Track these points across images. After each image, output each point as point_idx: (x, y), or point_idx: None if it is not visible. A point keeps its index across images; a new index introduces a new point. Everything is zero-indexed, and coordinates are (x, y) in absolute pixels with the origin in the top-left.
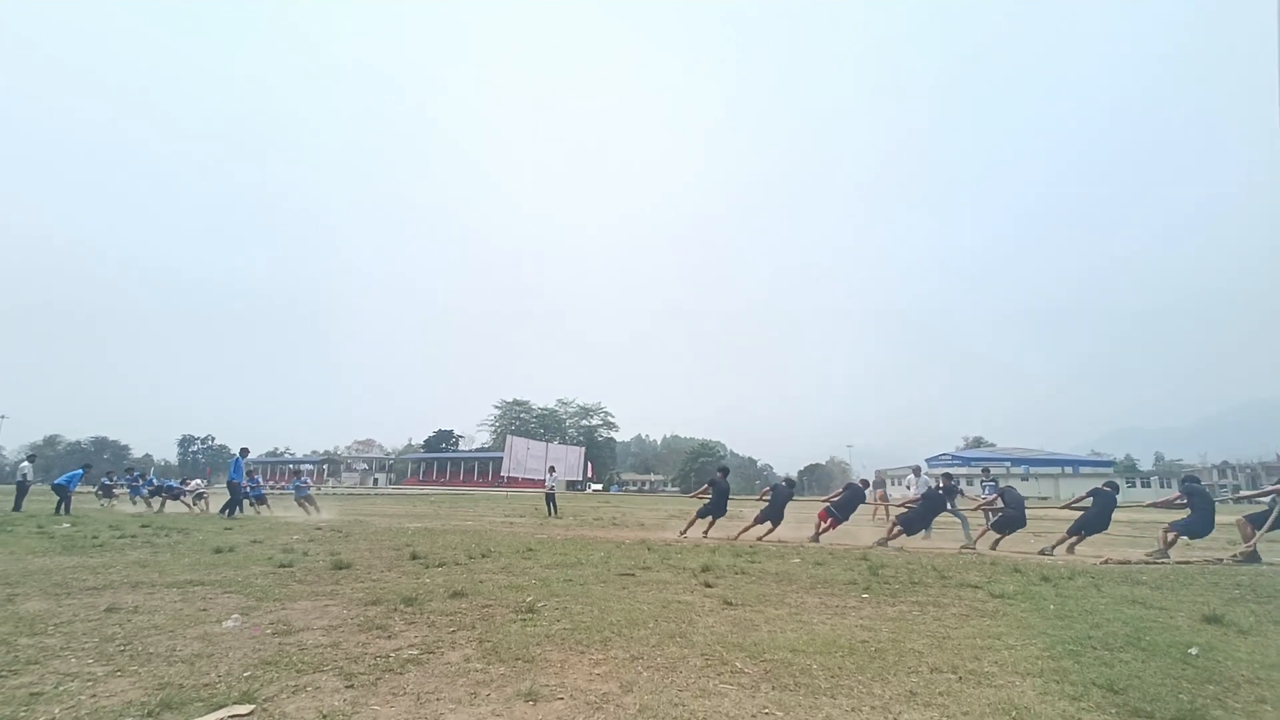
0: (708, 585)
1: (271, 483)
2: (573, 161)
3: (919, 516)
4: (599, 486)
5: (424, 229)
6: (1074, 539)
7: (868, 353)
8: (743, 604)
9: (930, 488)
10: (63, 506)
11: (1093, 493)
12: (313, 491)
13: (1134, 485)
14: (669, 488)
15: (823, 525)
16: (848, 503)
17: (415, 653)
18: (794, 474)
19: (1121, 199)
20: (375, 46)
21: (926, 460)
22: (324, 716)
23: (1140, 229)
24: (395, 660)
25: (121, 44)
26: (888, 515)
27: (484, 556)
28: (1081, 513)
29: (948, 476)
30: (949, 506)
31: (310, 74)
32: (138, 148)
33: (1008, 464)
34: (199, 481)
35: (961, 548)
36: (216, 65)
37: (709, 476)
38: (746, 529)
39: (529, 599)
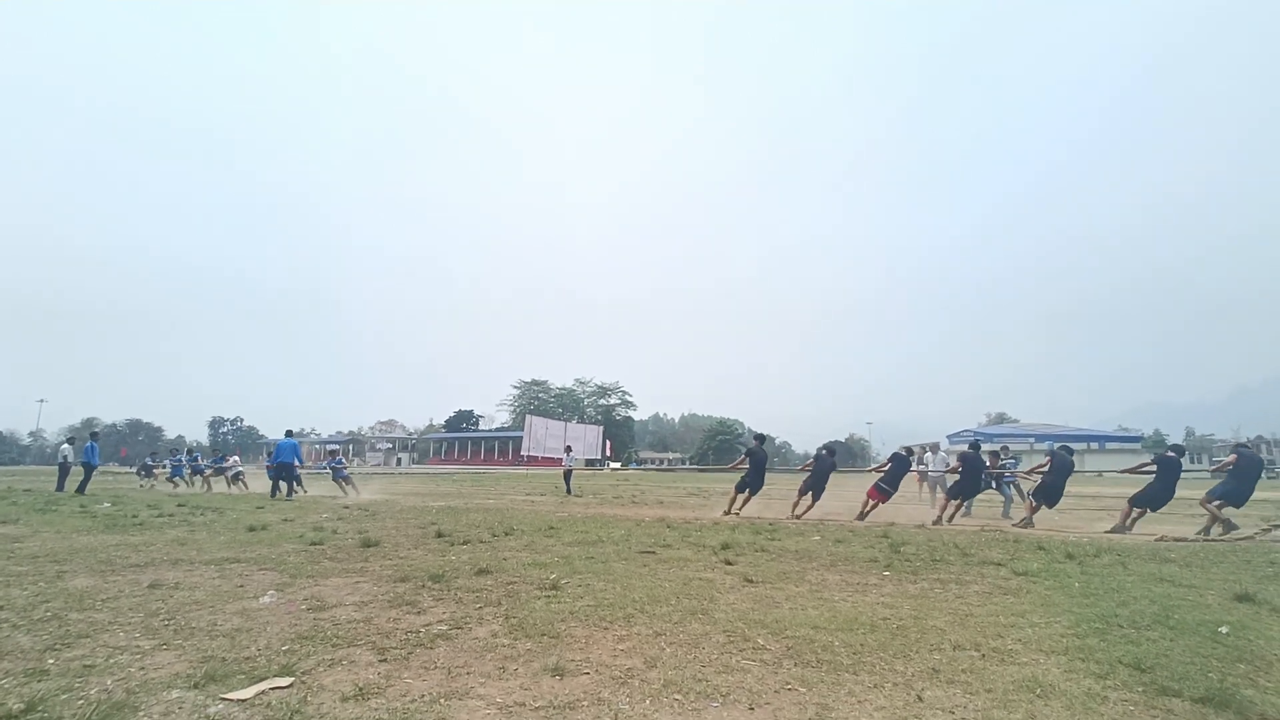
0: (728, 563)
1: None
2: (580, 135)
3: (970, 482)
4: (617, 465)
5: (441, 211)
6: (1137, 513)
7: (885, 328)
8: (763, 581)
9: (949, 465)
10: (83, 484)
11: (1158, 459)
12: (349, 472)
13: None
14: (686, 465)
15: (871, 503)
16: (896, 475)
17: (444, 628)
18: (812, 451)
19: (1151, 154)
20: (387, 31)
21: (948, 437)
22: (360, 689)
23: (1165, 187)
24: (425, 635)
25: (124, 43)
26: (932, 491)
27: (507, 534)
28: (1145, 480)
29: (995, 455)
30: (993, 485)
31: (319, 69)
32: (152, 147)
33: (1031, 440)
34: (235, 459)
35: (1012, 525)
36: (226, 60)
37: (747, 447)
38: (797, 502)
39: (552, 576)
